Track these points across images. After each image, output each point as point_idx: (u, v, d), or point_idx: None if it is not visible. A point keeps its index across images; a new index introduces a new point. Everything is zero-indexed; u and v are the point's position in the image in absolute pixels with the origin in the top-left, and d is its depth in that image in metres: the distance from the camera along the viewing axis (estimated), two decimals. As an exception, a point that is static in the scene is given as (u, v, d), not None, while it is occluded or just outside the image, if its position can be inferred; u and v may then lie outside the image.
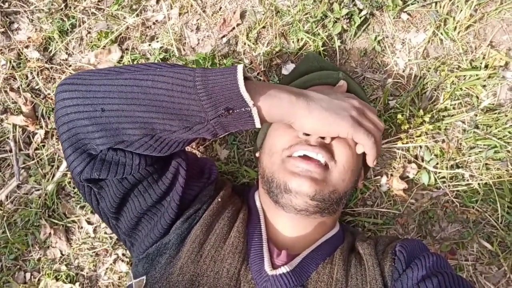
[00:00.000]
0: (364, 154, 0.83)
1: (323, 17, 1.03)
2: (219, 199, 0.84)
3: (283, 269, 0.74)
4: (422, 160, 1.04)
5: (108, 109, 0.65)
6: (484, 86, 1.03)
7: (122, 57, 1.10)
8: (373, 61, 1.07)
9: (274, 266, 0.75)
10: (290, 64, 1.06)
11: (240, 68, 0.65)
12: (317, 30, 1.04)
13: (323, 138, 0.78)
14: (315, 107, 0.71)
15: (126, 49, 1.11)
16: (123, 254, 1.08)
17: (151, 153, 0.70)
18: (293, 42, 1.06)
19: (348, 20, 1.03)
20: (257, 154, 0.96)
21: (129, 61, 1.08)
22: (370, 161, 0.78)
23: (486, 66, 1.03)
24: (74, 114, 0.66)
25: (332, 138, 0.78)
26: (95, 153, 0.69)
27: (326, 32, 1.05)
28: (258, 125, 0.68)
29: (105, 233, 1.08)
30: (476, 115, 1.03)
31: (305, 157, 0.77)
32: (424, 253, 0.76)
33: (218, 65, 1.05)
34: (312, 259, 0.78)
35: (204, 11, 1.09)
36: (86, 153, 0.69)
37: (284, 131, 0.82)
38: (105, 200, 0.76)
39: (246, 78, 0.67)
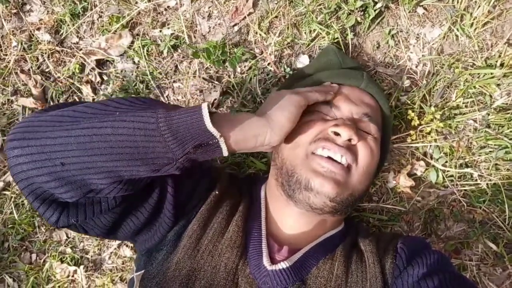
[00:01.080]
0: (379, 158, 0.84)
1: (336, 8, 1.01)
2: (217, 192, 0.83)
3: (283, 265, 0.73)
4: (431, 158, 1.03)
5: (68, 162, 0.62)
6: (498, 85, 1.01)
7: (132, 42, 1.09)
8: (386, 55, 1.06)
9: (273, 261, 0.75)
10: (302, 57, 1.05)
11: (205, 107, 0.66)
12: (330, 22, 1.02)
13: (350, 140, 0.78)
14: (272, 110, 0.75)
15: (137, 34, 1.10)
16: (128, 239, 1.09)
17: (123, 194, 0.68)
18: (305, 33, 1.05)
19: (362, 13, 1.01)
20: None
21: (139, 46, 1.07)
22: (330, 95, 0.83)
23: (502, 65, 1.00)
24: (31, 171, 0.62)
25: (359, 140, 0.78)
26: (63, 201, 0.65)
27: (339, 24, 1.03)
28: (225, 153, 0.69)
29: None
30: (488, 114, 1.01)
31: (330, 158, 0.77)
32: (426, 251, 0.75)
33: (228, 53, 1.04)
34: (313, 255, 0.77)
35: (216, -1, 1.08)
36: (55, 203, 0.65)
37: (313, 124, 0.81)
38: (94, 229, 0.72)
39: (210, 113, 0.67)
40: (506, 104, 1.01)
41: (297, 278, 0.74)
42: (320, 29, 1.02)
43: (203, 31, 1.09)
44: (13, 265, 1.09)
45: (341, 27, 1.03)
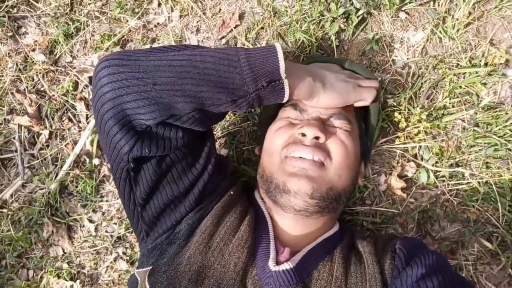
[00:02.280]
0: (360, 149, 0.87)
1: (320, 16, 1.04)
2: (232, 192, 0.85)
3: (286, 265, 0.73)
4: (422, 159, 1.04)
5: (160, 82, 0.67)
6: (484, 84, 1.02)
7: (124, 59, 1.12)
8: (372, 61, 1.07)
9: (277, 263, 0.75)
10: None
11: (278, 46, 0.71)
12: (314, 30, 1.05)
13: (317, 138, 0.80)
14: (327, 85, 0.82)
15: (128, 51, 1.13)
16: (124, 253, 1.09)
17: (195, 127, 0.74)
18: (290, 42, 1.07)
19: (345, 20, 1.04)
20: (257, 152, 0.97)
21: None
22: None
23: (486, 64, 1.02)
24: (122, 89, 0.67)
25: (326, 138, 0.81)
26: (141, 130, 0.71)
27: (323, 31, 1.05)
28: (286, 98, 0.74)
29: (106, 231, 1.10)
30: (476, 113, 1.02)
31: (301, 158, 0.79)
32: (424, 251, 0.75)
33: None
34: (312, 257, 0.77)
35: (204, 13, 1.11)
36: (133, 130, 0.70)
37: (283, 130, 0.84)
38: (139, 184, 0.76)
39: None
40: (493, 102, 1.02)
41: (299, 280, 0.73)
42: (305, 37, 1.04)
43: (192, 45, 1.12)
44: (11, 283, 1.10)
45: (325, 34, 1.06)
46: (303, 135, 0.81)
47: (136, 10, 1.13)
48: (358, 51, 1.08)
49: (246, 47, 0.73)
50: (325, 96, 0.81)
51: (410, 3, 1.04)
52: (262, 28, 1.08)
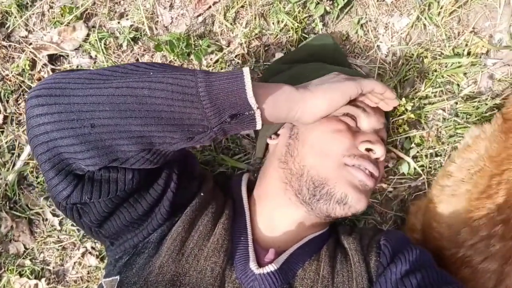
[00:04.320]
0: None
1: (305, -3, 0.98)
2: (202, 194, 0.79)
3: (270, 267, 0.71)
4: (402, 149, 1.03)
5: (99, 124, 0.57)
6: (465, 73, 1.01)
7: (88, 35, 1.01)
8: (356, 46, 1.04)
9: (260, 265, 0.72)
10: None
11: (247, 71, 0.61)
12: (298, 12, 0.98)
13: (377, 158, 0.78)
14: (313, 86, 0.71)
15: (93, 26, 1.02)
16: (92, 248, 1.02)
17: (146, 167, 0.64)
18: (273, 23, 1.01)
19: (331, 2, 0.98)
20: (271, 141, 0.88)
21: (96, 40, 0.99)
22: (391, 98, 0.78)
23: (469, 53, 1.01)
24: (56, 133, 0.57)
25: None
26: (81, 173, 0.61)
27: (307, 14, 1.00)
28: (259, 126, 0.65)
29: (72, 225, 1.02)
30: (456, 103, 1.01)
31: (361, 169, 0.76)
32: (408, 247, 0.75)
33: (193, 46, 0.98)
34: (298, 256, 0.75)
35: (178, -13, 1.02)
36: (71, 175, 0.61)
37: (343, 135, 0.78)
38: (89, 215, 0.67)
39: None
40: (473, 92, 1.02)
41: (284, 281, 0.71)
42: (288, 19, 0.98)
43: (165, 22, 1.02)
44: (-35, 282, 1.00)
45: (309, 17, 1.00)
46: (369, 150, 0.77)
47: (101, -20, 1.01)
48: (342, 35, 1.03)
49: (207, 71, 0.62)
50: (317, 97, 0.70)
51: (397, -14, 1.01)
52: (242, 6, 1.00)
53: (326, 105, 0.70)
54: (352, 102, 0.77)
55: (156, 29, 1.02)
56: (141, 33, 1.01)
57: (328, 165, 0.76)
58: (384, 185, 1.02)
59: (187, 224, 0.74)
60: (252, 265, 0.71)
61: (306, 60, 0.94)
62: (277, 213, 0.81)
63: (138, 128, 0.58)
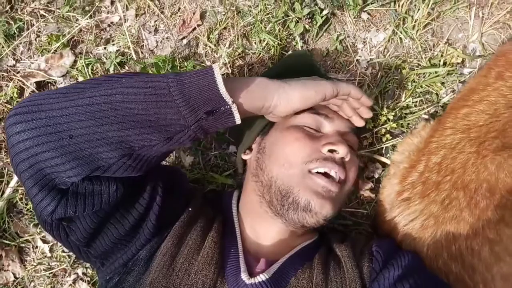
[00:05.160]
0: None
1: (284, 17, 1.02)
2: (190, 209, 0.80)
3: (261, 277, 0.71)
4: (388, 158, 1.05)
5: (77, 134, 0.58)
6: (443, 83, 1.05)
7: (75, 61, 1.03)
8: (336, 61, 1.07)
9: (251, 275, 0.72)
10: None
11: (216, 67, 0.63)
12: (279, 30, 1.02)
13: (342, 157, 0.78)
14: (290, 80, 0.73)
15: (80, 53, 1.04)
16: (84, 273, 1.01)
17: (129, 174, 0.65)
18: (255, 43, 1.04)
19: (310, 20, 1.02)
20: (244, 157, 0.91)
21: (83, 65, 1.01)
22: (369, 103, 0.80)
23: (445, 64, 1.05)
24: (36, 148, 0.58)
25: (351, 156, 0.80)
26: (65, 187, 0.61)
27: (288, 32, 1.03)
28: (238, 121, 0.66)
29: (63, 251, 1.01)
30: (436, 112, 1.05)
31: (325, 175, 0.77)
32: (400, 253, 0.76)
33: (179, 67, 1.01)
34: (290, 265, 0.76)
35: (162, 12, 1.05)
36: (55, 190, 0.61)
37: (304, 141, 0.79)
38: (75, 233, 0.67)
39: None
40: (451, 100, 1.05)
41: None
42: (270, 38, 1.01)
43: (151, 46, 1.05)
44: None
45: (290, 35, 1.04)
46: (332, 151, 0.78)
47: (87, 8, 1.04)
48: (322, 52, 1.07)
49: (178, 72, 0.63)
50: (293, 89, 0.72)
51: (372, 3, 1.05)
52: (225, 28, 1.04)
53: (301, 98, 0.72)
54: (321, 106, 0.81)
55: (142, 52, 1.05)
56: (127, 57, 1.03)
57: (292, 174, 0.77)
58: (373, 195, 1.04)
59: (176, 239, 0.74)
60: (244, 276, 0.71)
61: (283, 77, 0.95)
62: (260, 226, 0.81)
63: (116, 134, 0.59)
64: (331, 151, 0.77)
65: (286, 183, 0.77)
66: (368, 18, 1.07)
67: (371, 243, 0.81)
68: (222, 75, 1.01)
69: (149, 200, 0.73)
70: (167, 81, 0.61)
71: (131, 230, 0.72)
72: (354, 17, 1.06)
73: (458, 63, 1.05)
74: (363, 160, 1.05)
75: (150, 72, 0.99)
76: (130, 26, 1.04)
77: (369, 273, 0.74)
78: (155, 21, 1.05)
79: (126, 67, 1.04)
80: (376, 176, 1.05)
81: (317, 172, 0.76)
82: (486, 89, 0.87)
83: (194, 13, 1.04)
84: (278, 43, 1.02)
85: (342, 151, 0.77)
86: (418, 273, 0.71)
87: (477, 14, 1.06)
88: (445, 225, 0.80)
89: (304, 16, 1.01)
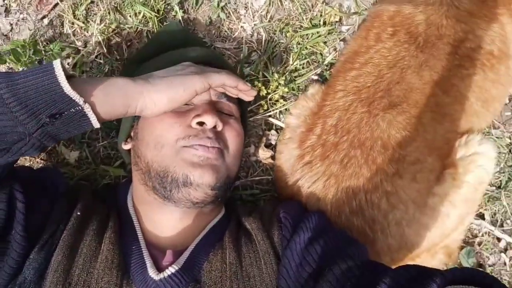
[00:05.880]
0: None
1: (159, -15, 0.94)
2: (78, 213, 0.71)
3: (171, 269, 0.67)
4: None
5: None
6: (325, 42, 1.08)
7: None
8: (220, 29, 1.03)
9: (160, 270, 0.68)
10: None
11: (57, 63, 0.55)
12: (155, 1, 0.94)
13: (214, 127, 0.74)
14: (155, 79, 0.66)
15: None
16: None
17: None
18: (130, 16, 0.95)
19: (186, -13, 0.96)
20: (125, 147, 0.83)
21: None
22: (245, 89, 0.76)
23: (324, 23, 1.07)
24: None
25: (224, 124, 0.75)
26: None
27: (165, 2, 0.95)
28: (96, 124, 0.59)
29: None
30: (322, 72, 1.07)
31: (201, 145, 0.72)
32: (307, 215, 0.77)
33: (43, 52, 0.87)
34: (201, 250, 0.72)
35: (10, -11, 0.89)
36: None
37: (173, 120, 0.73)
38: None
39: (68, 76, 0.56)
40: (335, 59, 1.09)
41: (190, 279, 0.68)
42: (146, 10, 0.93)
43: (4, 30, 0.90)
44: None
45: (167, 5, 0.96)
46: (201, 124, 0.72)
47: None
48: (205, 21, 1.01)
49: (9, 72, 0.55)
50: (159, 91, 0.65)
51: (248, -34, 1.02)
52: (92, 2, 0.92)
53: (168, 100, 0.66)
54: None
55: (-6, 39, 0.89)
56: (-26, 46, 0.87)
57: (166, 154, 0.72)
58: (273, 162, 1.04)
59: (67, 250, 0.66)
60: (151, 272, 0.67)
61: (157, 53, 0.88)
62: (157, 215, 0.76)
63: None
64: (200, 123, 0.73)
65: (162, 165, 0.72)
66: (242, -18, 1.03)
67: (278, 209, 0.80)
68: (97, 55, 0.91)
69: (7, 210, 0.62)
70: None
71: None
72: (232, -19, 1.02)
73: (336, 21, 1.09)
74: (261, 128, 1.05)
75: (8, 61, 0.84)
76: (-29, 7, 0.87)
77: (280, 241, 0.74)
78: (4, 1, 0.89)
79: (-25, 58, 0.87)
80: (274, 143, 1.05)
81: (192, 145, 0.72)
82: (369, 51, 0.91)
83: (51, -13, 0.90)
84: (156, 15, 0.93)
85: (209, 121, 0.72)
86: (326, 232, 0.73)
87: (347, -28, 1.10)
88: (345, 183, 0.84)
89: (180, -17, 0.94)
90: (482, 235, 1.11)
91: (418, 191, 0.85)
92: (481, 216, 1.12)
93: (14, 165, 0.67)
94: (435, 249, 0.95)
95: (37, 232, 0.66)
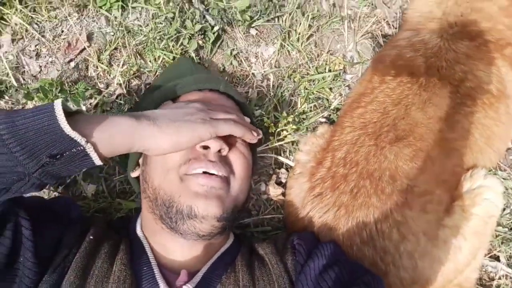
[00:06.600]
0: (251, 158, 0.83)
1: (177, 33, 1.02)
2: (91, 237, 0.72)
3: (188, 286, 0.66)
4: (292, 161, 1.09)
5: None
6: (331, 88, 1.14)
7: None
8: (233, 76, 1.10)
9: None
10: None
11: (58, 103, 0.56)
12: (173, 47, 1.02)
13: (220, 151, 0.74)
14: (162, 122, 0.65)
15: None
16: None
17: None
18: (150, 61, 1.02)
19: (202, 36, 1.04)
20: (133, 174, 0.85)
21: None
22: (251, 139, 0.76)
23: (330, 71, 1.15)
24: None
25: (229, 148, 0.75)
26: None
27: (182, 48, 1.04)
28: (98, 162, 0.60)
29: None
30: (329, 115, 1.13)
31: (205, 173, 0.71)
32: (320, 243, 0.77)
33: (68, 91, 0.93)
34: (214, 272, 0.72)
35: (43, 36, 0.98)
36: None
37: None
38: None
39: (69, 114, 0.58)
40: (341, 104, 1.15)
41: None
42: (164, 54, 1.01)
43: (33, 72, 0.96)
44: None
45: (185, 52, 1.04)
46: (205, 148, 0.72)
47: (-50, 35, 0.92)
48: (219, 68, 1.09)
49: (11, 110, 0.56)
50: (165, 135, 0.65)
51: (258, 19, 1.12)
52: (115, 48, 1.00)
53: (172, 145, 0.66)
54: None
55: (24, 79, 0.95)
56: (6, 85, 0.93)
57: (171, 180, 0.71)
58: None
59: (79, 271, 0.66)
60: None
61: (165, 83, 0.90)
62: (168, 242, 0.75)
63: None
64: (205, 147, 0.73)
65: (168, 192, 0.71)
66: (256, 34, 1.13)
67: (291, 237, 0.81)
68: (118, 96, 0.97)
69: (13, 238, 0.61)
70: None
71: (5, 273, 0.61)
72: (244, 33, 1.11)
73: (340, 70, 1.16)
74: (271, 167, 1.07)
75: (35, 98, 0.90)
76: (6, 52, 0.95)
77: (293, 266, 0.74)
78: (35, 46, 0.97)
79: (6, 97, 0.94)
80: (284, 181, 1.07)
81: (196, 174, 0.71)
82: (374, 92, 0.96)
83: (80, 35, 0.99)
84: (174, 57, 1.01)
85: (213, 144, 0.72)
86: (341, 261, 0.72)
87: (349, 27, 1.20)
88: (355, 213, 0.85)
89: (196, 32, 1.03)
90: (500, 278, 1.08)
91: (428, 222, 0.85)
92: (496, 258, 1.10)
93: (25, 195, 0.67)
94: (448, 286, 0.92)
95: (49, 258, 0.66)
